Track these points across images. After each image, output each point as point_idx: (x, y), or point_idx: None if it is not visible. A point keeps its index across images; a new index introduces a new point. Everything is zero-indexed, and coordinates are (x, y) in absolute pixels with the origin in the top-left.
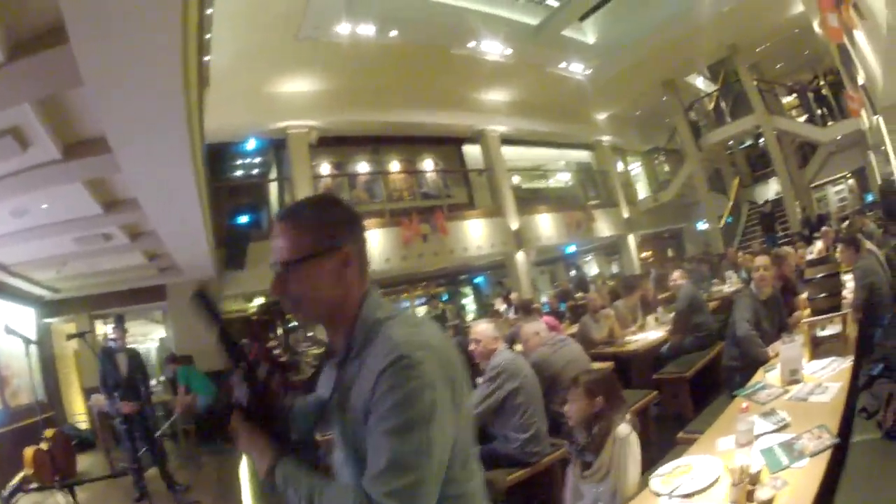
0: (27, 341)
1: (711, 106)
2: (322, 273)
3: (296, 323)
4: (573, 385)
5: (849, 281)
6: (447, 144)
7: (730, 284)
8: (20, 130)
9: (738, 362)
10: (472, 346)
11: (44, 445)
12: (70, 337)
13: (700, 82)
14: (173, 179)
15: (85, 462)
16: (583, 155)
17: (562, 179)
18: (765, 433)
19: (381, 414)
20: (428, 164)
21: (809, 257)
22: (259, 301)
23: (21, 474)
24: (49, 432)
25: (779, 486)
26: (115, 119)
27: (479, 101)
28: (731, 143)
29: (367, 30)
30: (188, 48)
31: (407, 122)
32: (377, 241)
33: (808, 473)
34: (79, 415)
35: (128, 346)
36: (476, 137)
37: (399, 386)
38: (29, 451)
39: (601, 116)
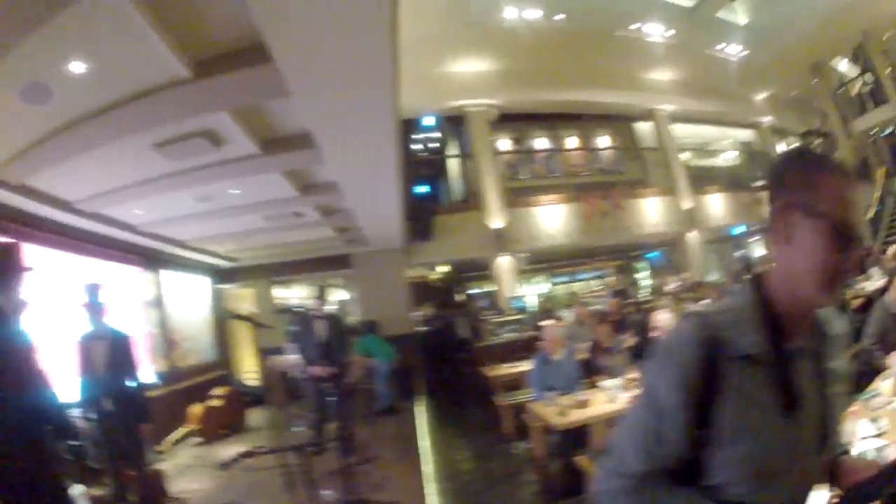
0: (258, 325)
1: (855, 92)
2: None
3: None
4: None
5: None
6: (620, 122)
7: (872, 283)
8: (214, 132)
9: (863, 367)
10: (653, 333)
11: (215, 402)
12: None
13: (844, 66)
14: (377, 165)
15: (253, 417)
16: (746, 134)
17: (729, 158)
18: (867, 437)
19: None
20: (603, 141)
21: None
22: (442, 269)
23: (183, 429)
24: (222, 389)
25: None
26: (323, 120)
27: (647, 81)
28: (874, 130)
29: (534, 14)
30: (396, 39)
31: (579, 101)
32: (560, 216)
33: None
34: (248, 372)
35: (328, 312)
36: (646, 116)
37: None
38: (196, 409)
39: (759, 97)
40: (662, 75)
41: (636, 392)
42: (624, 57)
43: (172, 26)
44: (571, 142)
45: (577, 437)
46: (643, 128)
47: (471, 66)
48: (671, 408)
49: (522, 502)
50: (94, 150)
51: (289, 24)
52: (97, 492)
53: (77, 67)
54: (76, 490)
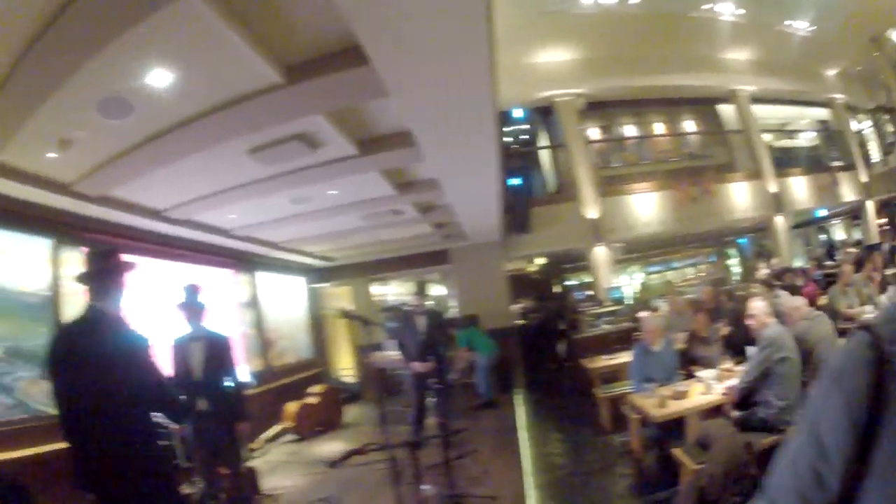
0: (367, 323)
1: None
2: None
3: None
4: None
5: None
6: (703, 105)
7: None
8: (310, 135)
9: None
10: (748, 321)
11: (311, 400)
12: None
13: None
14: (477, 159)
15: (351, 413)
16: (823, 113)
17: (808, 138)
18: None
19: None
20: (689, 125)
21: None
22: (540, 262)
23: (278, 427)
24: (320, 387)
25: None
26: (423, 117)
27: (724, 62)
28: None
29: None
30: (492, 29)
31: (662, 86)
32: (652, 204)
33: None
34: (345, 370)
35: (428, 308)
36: (727, 97)
37: None
38: (292, 406)
39: (829, 73)
40: (739, 55)
41: (730, 383)
42: (700, 38)
43: (261, 34)
44: (658, 127)
45: (673, 428)
46: (727, 110)
47: (553, 55)
48: (836, 446)
49: (618, 495)
50: (185, 159)
51: (384, 25)
52: (186, 490)
53: (163, 79)
54: None
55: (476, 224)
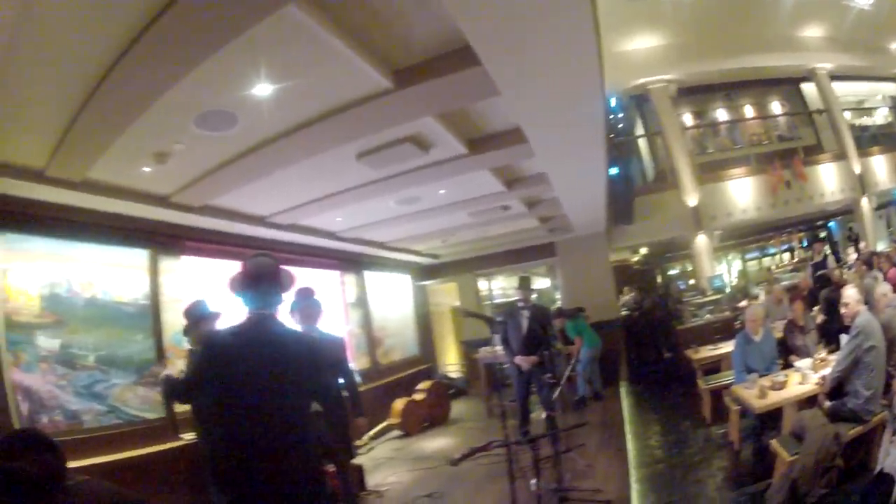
0: (488, 321)
1: None
2: None
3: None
4: None
5: None
6: (787, 85)
7: None
8: (420, 137)
9: None
10: (842, 309)
11: (418, 396)
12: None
13: None
14: (585, 152)
15: (457, 409)
16: (894, 88)
17: (883, 115)
18: None
19: None
20: (776, 106)
21: None
22: (643, 251)
23: (384, 423)
24: (426, 384)
25: None
26: (533, 113)
27: (802, 40)
28: None
29: None
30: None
31: (747, 67)
32: (749, 188)
33: None
34: (451, 365)
35: (534, 302)
36: (808, 75)
37: None
38: (399, 403)
39: (893, 47)
40: (813, 32)
41: (824, 372)
42: (775, 16)
43: (367, 41)
44: (748, 110)
45: (771, 419)
46: (810, 89)
47: (642, 42)
48: None
49: (716, 488)
50: (289, 166)
51: (494, 24)
52: None
53: (266, 90)
54: None
55: (582, 216)
